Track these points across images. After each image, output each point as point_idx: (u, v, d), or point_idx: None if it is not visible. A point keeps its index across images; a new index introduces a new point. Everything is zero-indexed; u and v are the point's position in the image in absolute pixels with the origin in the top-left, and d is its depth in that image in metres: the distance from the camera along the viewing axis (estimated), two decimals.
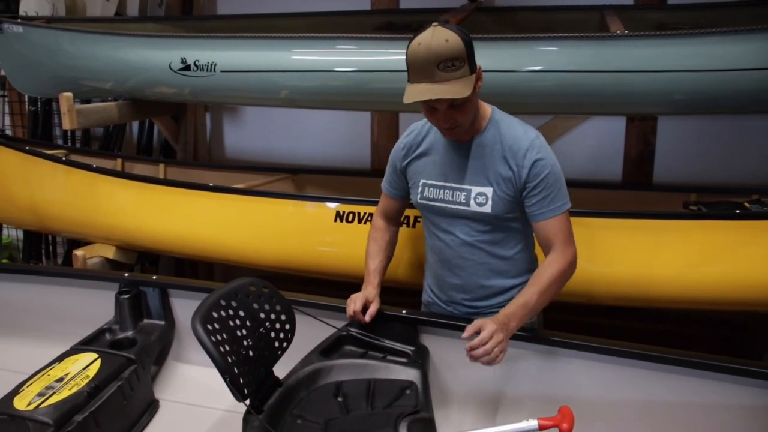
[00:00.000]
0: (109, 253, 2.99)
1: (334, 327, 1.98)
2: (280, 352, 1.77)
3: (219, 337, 1.54)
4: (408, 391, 1.79)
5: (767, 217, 2.17)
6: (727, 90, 2.57)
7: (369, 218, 2.44)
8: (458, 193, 1.85)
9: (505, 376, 1.95)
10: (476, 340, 1.60)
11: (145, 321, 2.29)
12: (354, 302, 1.96)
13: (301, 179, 3.54)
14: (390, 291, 2.12)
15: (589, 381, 1.84)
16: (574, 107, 2.97)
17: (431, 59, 1.60)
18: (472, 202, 1.83)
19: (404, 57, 1.66)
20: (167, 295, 2.30)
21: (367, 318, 1.94)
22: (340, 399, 1.77)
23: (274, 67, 2.74)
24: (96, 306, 2.30)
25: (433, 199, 1.90)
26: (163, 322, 2.28)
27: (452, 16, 2.87)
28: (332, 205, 2.50)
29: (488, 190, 1.80)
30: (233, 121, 3.94)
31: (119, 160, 3.59)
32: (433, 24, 1.65)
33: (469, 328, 1.64)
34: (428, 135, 1.91)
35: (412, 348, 1.96)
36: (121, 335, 2.21)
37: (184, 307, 2.30)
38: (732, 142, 3.23)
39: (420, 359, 1.92)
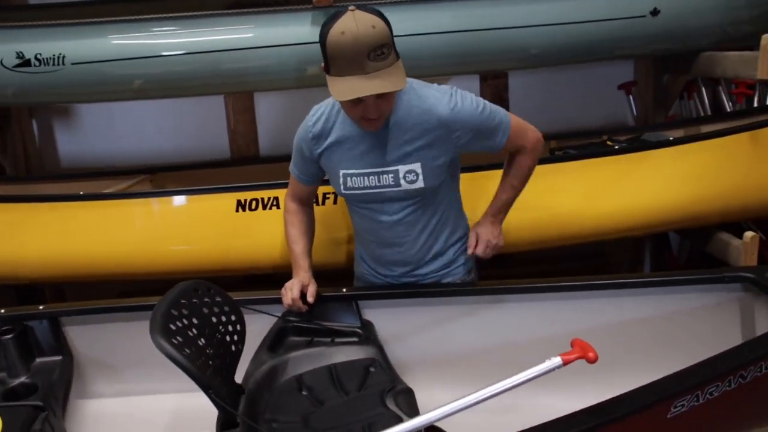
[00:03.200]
0: None
1: (275, 316, 1.86)
2: (238, 356, 1.61)
3: (188, 351, 1.35)
4: (372, 369, 1.75)
5: (642, 150, 2.43)
6: (577, 41, 2.80)
7: (275, 203, 2.30)
8: (385, 176, 1.78)
9: (453, 335, 1.97)
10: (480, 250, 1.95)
11: (38, 360, 1.95)
12: (290, 290, 1.85)
13: (160, 178, 3.24)
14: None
15: (539, 320, 1.92)
16: (436, 68, 3.04)
17: (361, 49, 1.50)
18: (402, 181, 1.77)
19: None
20: (59, 324, 1.99)
21: (310, 299, 1.85)
22: (304, 393, 1.67)
23: (135, 54, 2.45)
24: None
25: (359, 188, 1.81)
26: (59, 357, 1.96)
27: None
28: (231, 194, 2.32)
29: (416, 166, 1.76)
30: (66, 126, 3.47)
31: None
32: (349, 8, 1.54)
33: (471, 244, 1.95)
34: (337, 120, 1.81)
35: (358, 325, 1.91)
36: (14, 382, 1.86)
37: (80, 335, 2.01)
38: (574, 90, 3.53)
39: (371, 334, 1.87)
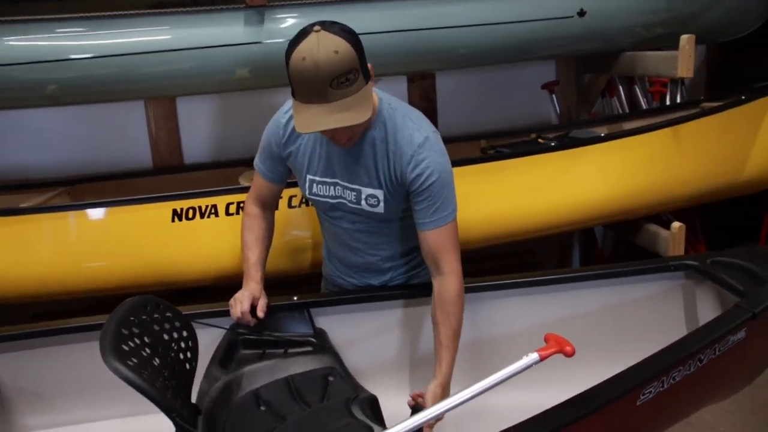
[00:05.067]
0: None
1: (224, 328, 1.77)
2: (193, 374, 1.51)
3: (145, 372, 1.24)
4: (331, 378, 1.69)
5: (576, 146, 2.50)
6: (504, 41, 2.85)
7: (213, 211, 2.19)
8: (348, 191, 1.73)
9: (410, 338, 1.94)
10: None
11: None
12: (240, 302, 1.76)
13: (79, 191, 3.02)
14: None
15: (492, 318, 1.93)
16: None
17: (323, 77, 1.39)
18: (363, 202, 1.72)
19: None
20: None
21: (260, 314, 1.76)
22: (263, 408, 1.58)
23: (41, 58, 2.27)
24: None
25: (323, 196, 1.76)
26: None
27: None
28: (166, 203, 2.19)
29: (379, 193, 1.69)
30: None
31: None
32: (314, 29, 1.41)
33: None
34: None
35: (311, 333, 1.84)
36: None
37: (3, 363, 1.83)
38: (499, 90, 3.59)
39: (325, 343, 1.81)
